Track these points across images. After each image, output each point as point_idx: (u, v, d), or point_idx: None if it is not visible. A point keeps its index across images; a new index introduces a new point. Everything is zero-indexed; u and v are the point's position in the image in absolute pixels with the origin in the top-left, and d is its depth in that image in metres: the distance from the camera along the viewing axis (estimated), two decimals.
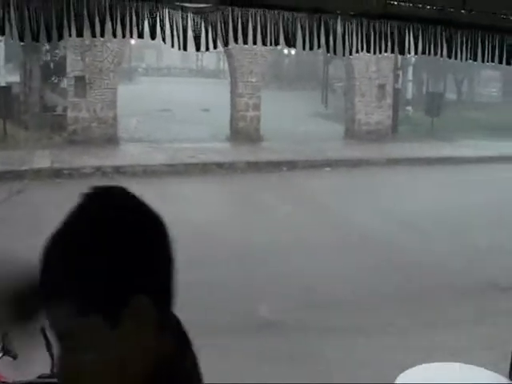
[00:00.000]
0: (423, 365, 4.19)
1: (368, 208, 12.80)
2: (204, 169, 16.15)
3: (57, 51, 21.45)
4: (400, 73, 23.80)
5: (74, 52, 18.46)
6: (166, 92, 30.72)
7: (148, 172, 15.53)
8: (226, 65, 23.67)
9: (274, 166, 16.81)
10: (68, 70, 18.66)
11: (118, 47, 18.73)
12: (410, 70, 27.05)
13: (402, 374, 4.03)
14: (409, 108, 26.50)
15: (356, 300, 8.00)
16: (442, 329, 7.07)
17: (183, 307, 1.22)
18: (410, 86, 27.46)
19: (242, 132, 20.29)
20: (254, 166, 16.67)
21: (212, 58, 60.79)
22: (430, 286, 8.60)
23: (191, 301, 7.60)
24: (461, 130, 23.64)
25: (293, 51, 44.25)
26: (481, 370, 4.30)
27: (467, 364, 4.36)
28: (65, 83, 19.89)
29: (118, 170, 15.36)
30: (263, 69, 21.24)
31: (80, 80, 18.50)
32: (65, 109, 19.27)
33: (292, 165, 16.98)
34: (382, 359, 6.04)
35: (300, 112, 26.27)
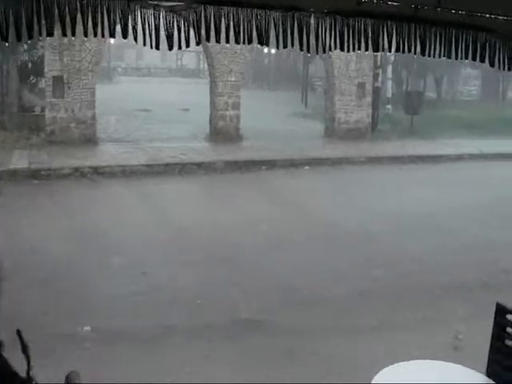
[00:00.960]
0: (400, 363, 4.15)
1: (346, 206, 12.80)
2: (183, 169, 16.08)
3: (35, 51, 21.29)
4: (380, 71, 23.84)
5: (52, 52, 18.32)
6: (145, 92, 30.66)
7: (127, 172, 15.44)
8: (206, 64, 23.61)
9: (254, 165, 16.76)
10: (46, 69, 18.50)
11: (96, 47, 18.61)
12: (390, 68, 27.12)
13: (379, 373, 4.00)
14: (389, 106, 26.56)
15: (333, 298, 7.98)
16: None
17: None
18: (389, 84, 27.53)
19: (222, 131, 20.25)
20: (234, 166, 16.62)
21: (192, 58, 60.77)
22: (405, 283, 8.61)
23: (176, 301, 7.64)
24: (441, 128, 23.73)
25: (273, 50, 44.34)
26: (458, 367, 4.29)
27: (444, 362, 4.35)
28: (43, 83, 19.73)
29: (97, 171, 15.25)
30: (243, 68, 21.22)
31: (58, 80, 18.36)
32: (43, 109, 19.11)
33: (271, 164, 16.94)
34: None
35: (280, 111, 26.28)
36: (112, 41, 38.00)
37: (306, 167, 17.03)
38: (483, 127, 24.05)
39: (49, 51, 18.35)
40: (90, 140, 18.35)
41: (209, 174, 15.97)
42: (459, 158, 19.34)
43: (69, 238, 10.19)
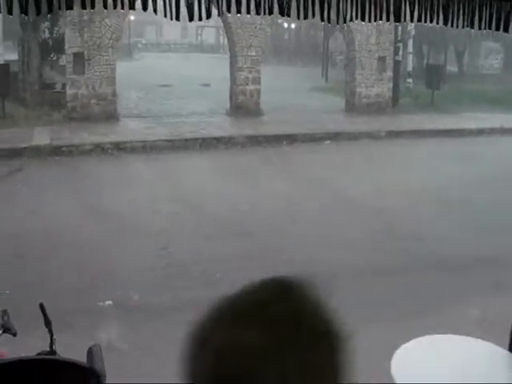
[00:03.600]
0: (422, 337, 4.18)
1: (365, 181, 12.79)
2: (204, 144, 16.13)
3: (55, 28, 21.34)
4: (400, 45, 23.64)
5: (73, 28, 18.34)
6: (165, 67, 30.66)
7: (148, 148, 15.51)
8: (226, 39, 23.55)
9: (274, 139, 16.76)
10: (66, 46, 18.55)
11: (116, 23, 18.61)
12: (411, 42, 26.84)
13: (402, 347, 4.02)
14: (409, 80, 26.34)
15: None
16: None
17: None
18: (410, 58, 27.25)
19: (242, 106, 20.23)
20: (254, 140, 16.63)
21: (212, 33, 60.54)
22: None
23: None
24: (462, 103, 23.53)
25: (293, 25, 44.03)
26: (480, 342, 4.30)
27: (466, 336, 4.37)
28: (64, 60, 19.79)
29: (118, 147, 15.34)
30: (263, 43, 21.14)
31: (78, 57, 18.40)
32: (64, 86, 19.19)
33: (292, 138, 16.93)
34: None
35: (300, 86, 26.19)
36: (132, 17, 37.98)
37: (327, 141, 17.00)
38: (505, 101, 23.79)
39: (69, 28, 18.38)
40: (110, 116, 18.41)
41: (229, 149, 16.00)
42: (480, 132, 19.20)
43: (90, 214, 10.31)
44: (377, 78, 22.07)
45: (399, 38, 23.44)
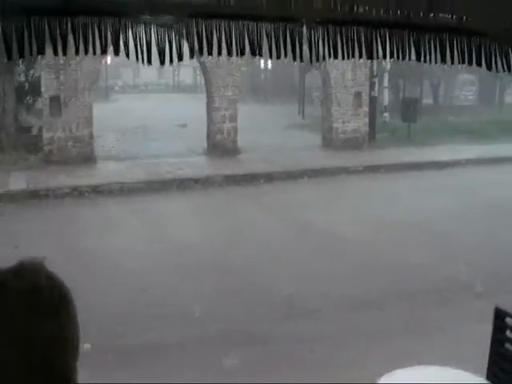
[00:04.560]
0: (399, 370, 4.16)
1: (342, 216, 12.86)
2: (181, 185, 16.11)
3: (31, 71, 21.36)
4: (376, 80, 23.88)
5: (49, 72, 18.38)
6: (143, 108, 30.71)
7: (125, 190, 15.47)
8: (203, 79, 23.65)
9: (252, 178, 16.79)
10: (43, 89, 18.57)
11: (92, 66, 18.67)
12: (386, 76, 27.13)
13: (382, 377, 4.00)
14: (386, 115, 26.57)
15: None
16: None
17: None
18: (386, 92, 27.54)
19: (220, 145, 20.28)
20: (232, 180, 16.64)
21: (189, 73, 60.87)
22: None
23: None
24: (438, 135, 23.73)
25: (269, 64, 44.38)
26: (458, 371, 4.30)
27: (444, 367, 4.36)
28: (40, 103, 19.78)
29: (95, 189, 15.29)
30: (239, 82, 21.25)
31: (55, 100, 18.41)
32: (40, 129, 19.16)
33: (269, 177, 16.97)
34: None
35: (277, 123, 26.31)
36: (109, 60, 38.13)
37: (304, 178, 17.04)
38: (481, 132, 24.06)
39: (45, 71, 18.41)
40: (88, 158, 18.37)
41: (207, 189, 15.97)
42: (457, 163, 19.36)
43: (67, 258, 10.19)
44: (353, 114, 22.23)
45: (375, 73, 23.69)
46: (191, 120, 24.36)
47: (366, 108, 22.53)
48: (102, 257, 10.27)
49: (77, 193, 15.00)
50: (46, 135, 18.41)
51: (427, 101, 35.50)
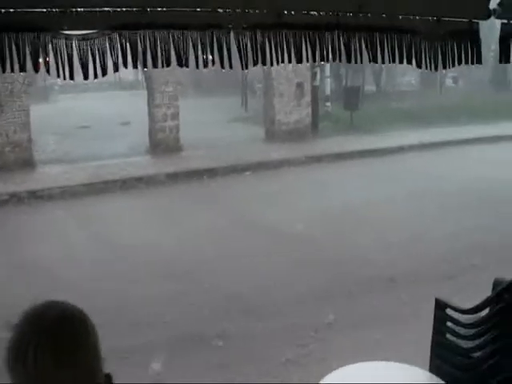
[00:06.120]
0: (344, 367, 4.14)
1: (284, 209, 12.89)
2: (124, 185, 15.89)
3: None
4: (318, 70, 23.85)
5: None
6: (84, 108, 30.27)
7: (66, 193, 15.18)
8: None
9: (195, 174, 16.67)
10: None
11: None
12: (328, 66, 27.10)
13: (323, 379, 3.97)
14: (328, 104, 26.54)
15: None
16: None
17: None
18: (328, 82, 27.51)
19: (162, 143, 20.07)
20: (175, 177, 16.51)
21: (130, 70, 60.12)
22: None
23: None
24: (381, 122, 23.89)
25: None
26: (402, 365, 4.30)
27: (387, 362, 4.36)
28: None
29: (35, 195, 14.96)
30: (180, 77, 21.05)
31: None
32: None
33: (212, 172, 16.87)
34: None
35: (220, 118, 26.15)
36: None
37: (247, 173, 16.98)
38: (423, 117, 24.29)
39: None
40: (27, 163, 17.95)
41: (150, 188, 15.80)
42: (400, 149, 19.55)
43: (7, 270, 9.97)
44: (295, 105, 22.23)
45: (316, 63, 23.65)
46: (134, 117, 24.04)
47: (308, 98, 22.55)
48: (37, 267, 10.03)
49: (16, 199, 14.66)
50: None
51: (370, 87, 35.65)
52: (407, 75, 44.83)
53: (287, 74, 21.94)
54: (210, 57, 3.34)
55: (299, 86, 22.28)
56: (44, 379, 1.67)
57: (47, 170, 17.69)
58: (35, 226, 12.95)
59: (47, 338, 1.69)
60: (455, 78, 38.94)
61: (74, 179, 16.28)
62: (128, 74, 62.66)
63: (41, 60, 3.17)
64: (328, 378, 4.01)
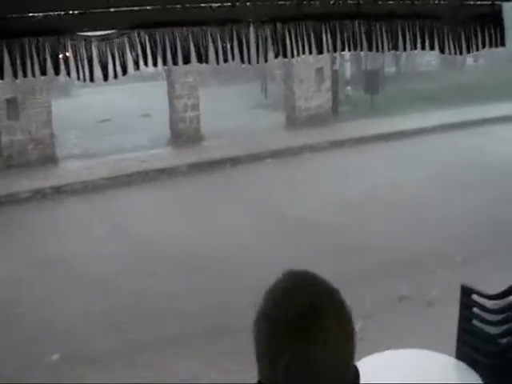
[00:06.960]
0: (370, 356, 4.13)
1: (307, 197, 12.83)
2: (146, 177, 15.93)
3: None
4: (337, 54, 23.71)
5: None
6: (104, 101, 30.28)
7: (89, 188, 15.25)
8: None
9: (217, 164, 16.66)
10: None
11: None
12: None
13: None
14: (348, 88, 26.41)
15: None
16: None
17: None
18: (348, 66, 27.35)
19: (183, 134, 20.06)
20: (197, 167, 16.49)
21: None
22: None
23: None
24: (401, 104, 23.67)
25: None
26: (428, 352, 4.28)
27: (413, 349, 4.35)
28: None
29: (58, 190, 15.05)
30: (199, 67, 20.99)
31: (12, 102, 18.03)
32: None
33: (234, 161, 16.86)
34: None
35: (240, 105, 26.06)
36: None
37: (269, 160, 16.94)
38: (442, 97, 24.05)
39: None
40: (49, 159, 18.03)
41: (172, 179, 15.82)
42: (423, 131, 19.36)
43: (33, 266, 10.05)
44: (316, 90, 22.11)
45: None
46: (154, 109, 24.06)
47: (328, 83, 22.42)
48: (62, 261, 10.09)
49: (40, 196, 14.76)
50: (3, 139, 18.02)
51: (390, 69, 35.41)
52: (427, 55, 44.47)
53: (307, 60, 21.80)
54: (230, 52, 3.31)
55: (319, 71, 22.15)
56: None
57: (69, 166, 17.78)
58: (57, 221, 13.01)
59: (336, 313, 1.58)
60: (476, 57, 38.47)
61: (96, 173, 16.34)
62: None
63: (61, 60, 3.16)
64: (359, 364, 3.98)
